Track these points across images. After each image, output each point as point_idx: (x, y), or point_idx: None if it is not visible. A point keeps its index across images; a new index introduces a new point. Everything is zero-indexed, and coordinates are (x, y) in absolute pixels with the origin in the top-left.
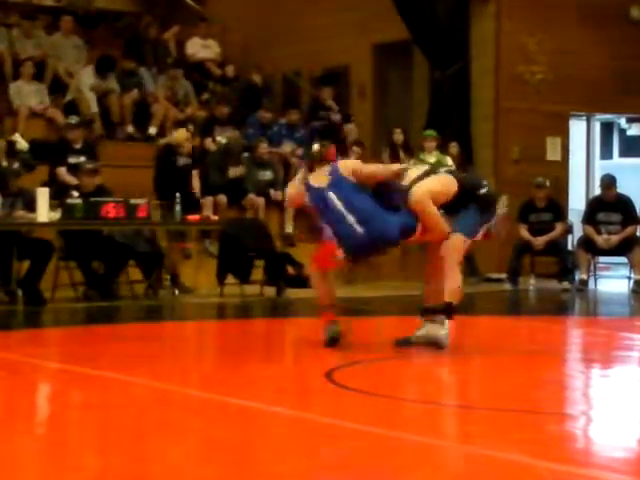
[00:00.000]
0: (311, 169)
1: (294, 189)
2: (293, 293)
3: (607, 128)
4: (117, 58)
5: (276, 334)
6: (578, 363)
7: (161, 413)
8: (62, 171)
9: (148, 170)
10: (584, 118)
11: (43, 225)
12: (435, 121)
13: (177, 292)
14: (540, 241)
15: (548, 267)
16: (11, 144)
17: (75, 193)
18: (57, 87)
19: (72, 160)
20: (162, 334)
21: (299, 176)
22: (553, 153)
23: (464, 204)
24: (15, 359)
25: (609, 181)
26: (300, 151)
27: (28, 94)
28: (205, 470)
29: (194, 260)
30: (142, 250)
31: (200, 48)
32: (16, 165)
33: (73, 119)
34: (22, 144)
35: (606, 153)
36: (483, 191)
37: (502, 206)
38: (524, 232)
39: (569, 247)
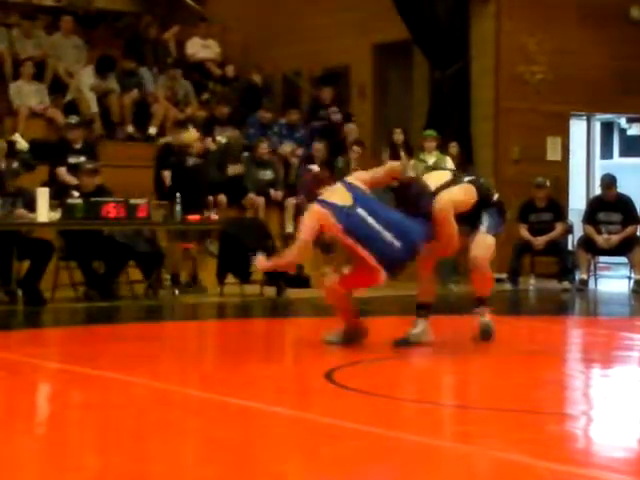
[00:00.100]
0: (311, 194)
1: (316, 214)
2: (293, 293)
3: (607, 128)
4: (117, 58)
5: (276, 334)
6: (578, 363)
7: (161, 413)
8: (62, 171)
9: (148, 170)
10: (584, 118)
11: (43, 225)
12: (435, 121)
13: (177, 292)
14: (540, 241)
15: (548, 267)
16: (11, 144)
17: (75, 193)
18: (57, 87)
19: (72, 160)
20: (162, 334)
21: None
22: (553, 153)
23: (477, 212)
24: (15, 359)
25: (609, 181)
26: (300, 151)
27: (28, 94)
28: (205, 470)
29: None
30: (142, 250)
31: (200, 48)
32: (15, 165)
33: (73, 119)
34: (22, 144)
35: (606, 153)
36: (496, 197)
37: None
38: (524, 232)
39: (569, 247)
